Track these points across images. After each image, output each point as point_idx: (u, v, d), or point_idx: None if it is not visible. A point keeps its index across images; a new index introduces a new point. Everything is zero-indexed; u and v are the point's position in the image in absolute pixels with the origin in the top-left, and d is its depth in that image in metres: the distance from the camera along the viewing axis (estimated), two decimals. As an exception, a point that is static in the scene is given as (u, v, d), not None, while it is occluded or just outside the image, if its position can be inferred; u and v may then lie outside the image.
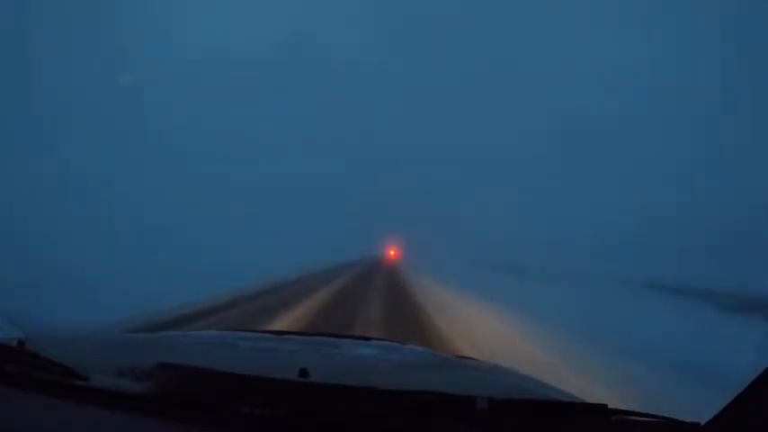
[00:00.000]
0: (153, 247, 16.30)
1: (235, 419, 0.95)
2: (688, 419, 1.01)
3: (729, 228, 24.31)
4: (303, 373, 1.10)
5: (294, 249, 26.22)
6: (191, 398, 0.99)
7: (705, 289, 14.31)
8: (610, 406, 1.01)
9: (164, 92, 30.62)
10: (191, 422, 0.96)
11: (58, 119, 20.33)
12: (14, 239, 11.27)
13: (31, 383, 1.05)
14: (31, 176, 16.71)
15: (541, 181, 52.54)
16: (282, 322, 7.20)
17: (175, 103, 31.77)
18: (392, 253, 63.34)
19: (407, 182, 79.92)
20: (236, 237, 25.24)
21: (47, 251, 11.42)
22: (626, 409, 1.05)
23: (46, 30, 21.17)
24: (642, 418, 1.06)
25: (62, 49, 21.93)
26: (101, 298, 7.39)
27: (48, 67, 20.82)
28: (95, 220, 16.63)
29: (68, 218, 15.51)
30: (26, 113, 18.77)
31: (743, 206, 25.06)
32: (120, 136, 24.38)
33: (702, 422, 0.96)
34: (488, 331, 7.36)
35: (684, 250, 22.99)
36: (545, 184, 51.13)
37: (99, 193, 19.21)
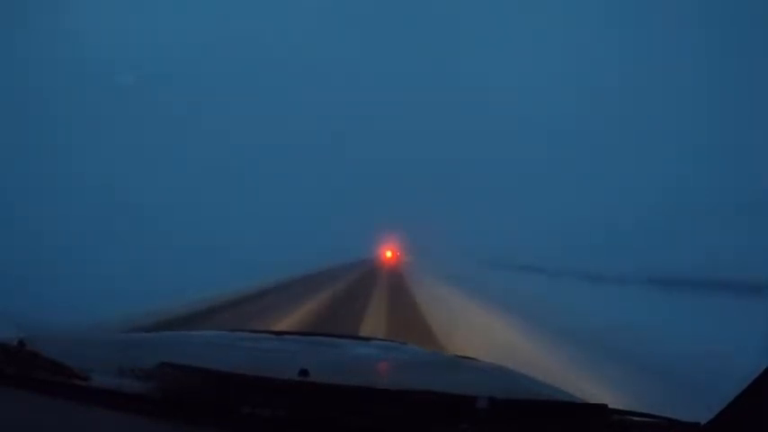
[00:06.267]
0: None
1: (235, 419, 0.95)
2: (688, 419, 1.02)
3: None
4: (303, 373, 1.11)
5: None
6: (191, 398, 1.00)
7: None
8: (610, 406, 1.01)
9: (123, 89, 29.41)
10: (191, 422, 0.96)
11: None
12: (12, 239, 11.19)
13: (31, 383, 1.05)
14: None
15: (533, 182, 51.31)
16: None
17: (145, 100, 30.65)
18: (389, 254, 56.83)
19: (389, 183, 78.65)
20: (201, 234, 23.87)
21: (46, 250, 11.38)
22: (626, 409, 1.05)
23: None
24: (642, 419, 1.06)
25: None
26: (101, 298, 7.36)
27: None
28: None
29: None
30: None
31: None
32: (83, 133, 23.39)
33: (702, 422, 0.96)
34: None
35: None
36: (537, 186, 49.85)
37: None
